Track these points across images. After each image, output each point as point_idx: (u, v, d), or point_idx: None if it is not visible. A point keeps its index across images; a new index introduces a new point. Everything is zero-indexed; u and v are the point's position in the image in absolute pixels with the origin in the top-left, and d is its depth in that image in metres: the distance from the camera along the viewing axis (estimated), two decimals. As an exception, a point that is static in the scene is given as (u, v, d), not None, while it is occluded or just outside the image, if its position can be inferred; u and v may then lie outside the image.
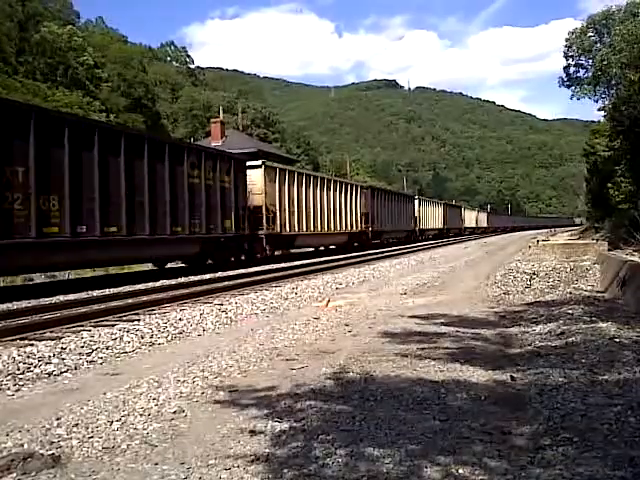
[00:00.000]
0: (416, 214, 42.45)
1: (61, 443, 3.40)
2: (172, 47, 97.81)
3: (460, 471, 2.85)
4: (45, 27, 54.32)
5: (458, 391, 4.26)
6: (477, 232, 65.21)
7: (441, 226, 50.62)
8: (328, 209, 26.50)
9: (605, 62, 23.36)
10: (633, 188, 24.66)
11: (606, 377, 4.52)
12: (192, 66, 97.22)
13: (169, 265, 20.01)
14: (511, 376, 4.67)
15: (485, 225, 73.72)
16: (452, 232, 54.58)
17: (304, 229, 23.63)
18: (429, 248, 30.60)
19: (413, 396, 4.14)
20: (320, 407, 3.93)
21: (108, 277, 14.95)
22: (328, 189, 26.78)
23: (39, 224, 10.90)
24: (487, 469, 2.88)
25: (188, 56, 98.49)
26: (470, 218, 65.49)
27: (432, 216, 47.68)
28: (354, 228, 29.96)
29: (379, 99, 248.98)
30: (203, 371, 5.09)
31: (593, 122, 44.08)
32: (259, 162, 20.66)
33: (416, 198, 44.46)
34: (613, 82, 25.14)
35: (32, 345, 6.21)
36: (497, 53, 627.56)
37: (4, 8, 53.45)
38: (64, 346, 6.13)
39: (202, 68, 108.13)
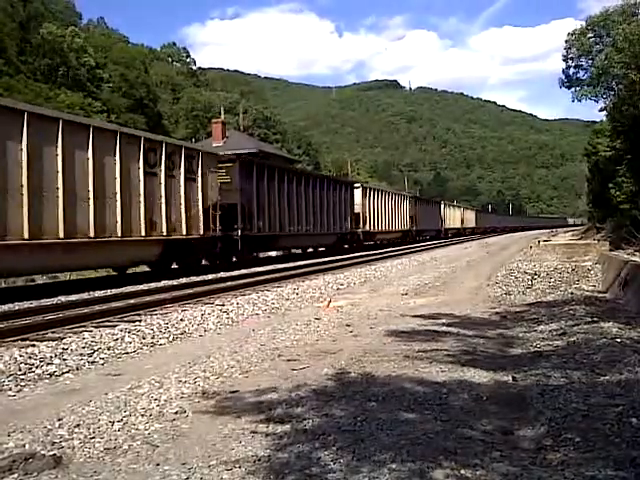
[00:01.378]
0: (358, 210, 30.16)
1: (63, 444, 3.40)
2: (174, 48, 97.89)
3: (462, 472, 2.85)
4: (44, 28, 54.40)
5: (460, 392, 4.26)
6: (464, 234, 55.97)
7: (406, 227, 39.07)
8: (98, 192, 12.54)
9: (607, 62, 23.40)
10: (634, 188, 24.67)
11: (608, 377, 4.51)
12: (193, 67, 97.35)
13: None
14: (513, 376, 4.67)
15: (473, 225, 63.46)
16: (426, 235, 44.69)
17: None
18: (431, 248, 30.58)
19: (415, 397, 4.13)
20: (321, 408, 3.93)
21: (110, 278, 14.94)
22: (94, 148, 12.47)
23: None
24: (489, 470, 2.88)
25: (188, 56, 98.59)
26: (454, 217, 55.61)
27: (390, 214, 35.64)
28: (187, 231, 15.53)
29: (380, 99, 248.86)
30: (205, 371, 5.09)
31: (594, 122, 44.08)
32: None
33: (358, 186, 31.54)
34: (614, 83, 25.17)
35: (34, 346, 6.22)
36: (498, 53, 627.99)
37: (6, 8, 53.53)
38: (65, 347, 6.14)
39: (203, 69, 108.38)
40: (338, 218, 27.72)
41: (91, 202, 12.32)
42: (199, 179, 16.30)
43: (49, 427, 3.67)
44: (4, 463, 3.06)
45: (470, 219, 62.71)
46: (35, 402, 4.43)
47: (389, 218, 35.50)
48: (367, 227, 31.30)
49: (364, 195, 31.28)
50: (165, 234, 14.72)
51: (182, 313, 8.55)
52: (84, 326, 7.53)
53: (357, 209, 30.16)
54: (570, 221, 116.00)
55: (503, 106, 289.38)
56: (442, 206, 50.99)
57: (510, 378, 4.64)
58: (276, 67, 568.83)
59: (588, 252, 18.13)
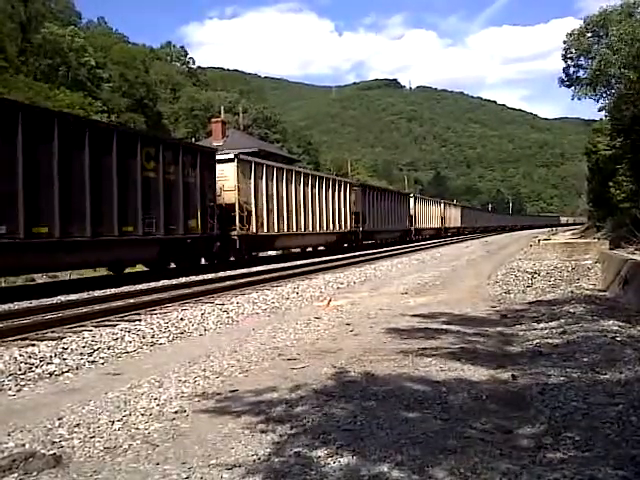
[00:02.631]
0: (230, 199, 18.30)
1: (62, 443, 3.40)
2: (173, 47, 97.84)
3: (462, 471, 2.85)
4: (45, 28, 54.43)
5: (459, 390, 4.26)
6: (444, 235, 47.73)
7: (346, 227, 28.22)
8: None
9: (603, 63, 23.41)
10: (634, 187, 24.64)
11: (608, 376, 4.51)
12: (193, 66, 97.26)
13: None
14: (512, 375, 4.67)
15: (458, 225, 55.15)
16: (382, 237, 34.43)
17: None
18: (431, 247, 30.56)
19: (414, 395, 4.13)
20: (321, 407, 3.93)
21: (109, 277, 14.93)
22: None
23: None
24: (489, 469, 2.87)
25: (186, 54, 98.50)
26: (430, 215, 45.76)
27: (313, 208, 24.37)
28: None
29: (380, 98, 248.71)
30: (204, 371, 5.09)
31: (594, 121, 43.93)
32: None
33: (227, 159, 18.56)
34: (613, 81, 25.15)
35: (33, 345, 6.22)
36: (497, 52, 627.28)
37: (6, 8, 53.54)
38: (65, 346, 6.14)
39: (203, 68, 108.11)
40: (164, 213, 14.80)
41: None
42: None
43: (49, 426, 3.68)
44: (4, 462, 3.06)
45: (454, 217, 54.39)
46: (35, 402, 4.43)
47: (310, 214, 23.96)
48: (253, 228, 19.01)
49: (245, 174, 18.71)
50: None
51: (182, 312, 8.55)
52: (84, 325, 7.53)
53: (228, 197, 18.13)
54: (563, 220, 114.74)
55: (503, 105, 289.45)
56: (412, 201, 41.12)
57: (510, 377, 4.64)
58: (276, 66, 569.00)
59: (588, 251, 18.11)
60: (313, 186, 24.87)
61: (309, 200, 24.22)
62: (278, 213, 21.26)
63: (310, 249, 26.86)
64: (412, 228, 40.42)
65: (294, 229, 22.73)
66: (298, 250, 26.37)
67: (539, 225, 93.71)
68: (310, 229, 24.26)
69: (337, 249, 26.75)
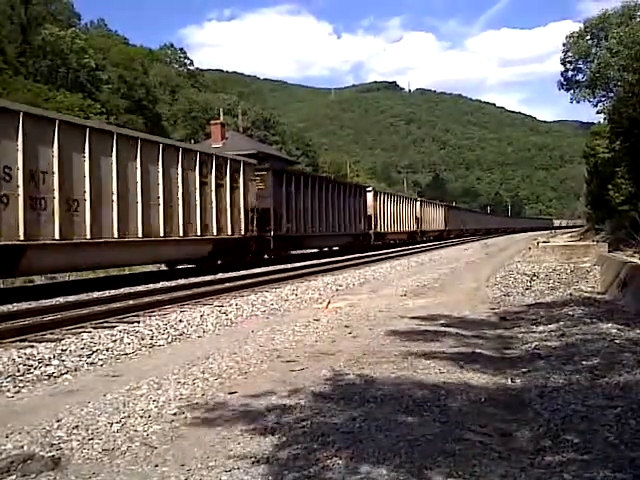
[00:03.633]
0: None
1: (61, 445, 3.40)
2: (172, 49, 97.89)
3: (460, 473, 2.85)
4: (46, 29, 54.48)
5: (458, 393, 4.26)
6: (423, 240, 40.12)
7: (233, 231, 17.50)
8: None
9: (603, 65, 23.48)
10: (633, 190, 24.68)
11: (606, 379, 4.51)
12: (192, 68, 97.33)
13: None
14: (511, 378, 4.67)
15: (441, 227, 47.59)
16: (322, 245, 26.57)
17: None
18: (429, 250, 30.51)
19: (413, 398, 4.13)
20: (320, 409, 3.92)
21: (108, 278, 14.91)
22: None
23: None
24: (487, 472, 2.87)
25: (187, 58, 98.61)
26: (400, 215, 36.76)
27: (147, 198, 13.74)
28: None
29: (379, 101, 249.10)
30: (203, 372, 5.09)
31: (593, 124, 43.97)
32: None
33: None
34: (612, 84, 25.23)
35: (32, 347, 6.21)
36: (496, 55, 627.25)
37: (6, 10, 53.59)
38: (64, 348, 6.13)
39: (202, 70, 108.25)
40: None
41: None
42: None
43: (47, 428, 3.67)
44: (2, 464, 3.05)
45: (435, 219, 46.09)
46: (33, 403, 4.42)
47: (138, 208, 13.65)
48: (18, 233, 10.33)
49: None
50: None
51: (181, 314, 8.54)
52: (83, 327, 7.52)
53: None
54: (556, 223, 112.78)
55: (502, 108, 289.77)
56: (370, 196, 31.66)
57: (509, 380, 4.64)
58: (275, 69, 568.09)
59: (587, 253, 18.12)
60: (151, 161, 14.14)
61: (135, 184, 13.61)
62: (36, 205, 10.89)
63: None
64: (371, 232, 31.31)
65: (91, 233, 12.20)
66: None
67: (531, 228, 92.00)
68: (138, 234, 13.65)
69: (222, 265, 17.17)
